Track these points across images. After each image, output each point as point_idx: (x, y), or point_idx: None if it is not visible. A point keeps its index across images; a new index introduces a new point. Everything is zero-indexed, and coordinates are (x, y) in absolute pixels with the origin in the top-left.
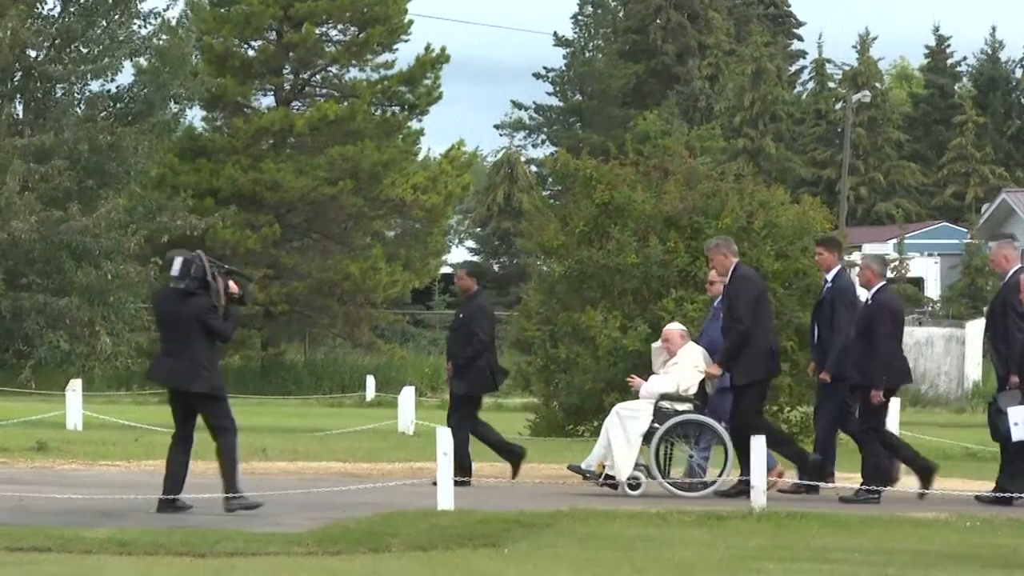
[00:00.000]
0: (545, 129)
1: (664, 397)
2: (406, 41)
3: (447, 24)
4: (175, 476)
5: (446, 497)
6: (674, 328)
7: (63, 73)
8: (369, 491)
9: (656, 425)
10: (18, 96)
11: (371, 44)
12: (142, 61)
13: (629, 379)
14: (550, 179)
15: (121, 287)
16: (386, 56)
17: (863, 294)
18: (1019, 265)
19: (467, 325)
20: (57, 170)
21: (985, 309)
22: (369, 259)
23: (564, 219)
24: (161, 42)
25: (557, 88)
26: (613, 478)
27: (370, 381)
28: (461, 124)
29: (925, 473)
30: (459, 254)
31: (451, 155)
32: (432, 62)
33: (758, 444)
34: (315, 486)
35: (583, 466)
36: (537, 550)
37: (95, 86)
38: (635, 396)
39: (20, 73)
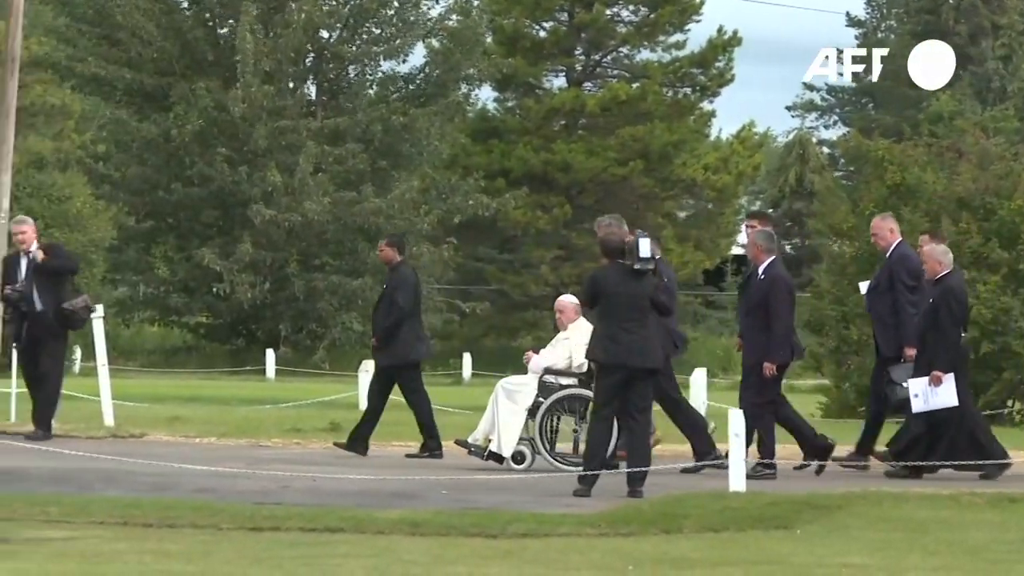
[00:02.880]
0: (837, 110)
1: (549, 371)
2: (697, 22)
3: (738, 4)
4: (603, 449)
5: (738, 478)
6: (569, 301)
7: (355, 55)
8: (661, 472)
9: (541, 399)
10: (311, 78)
11: (662, 25)
12: (434, 42)
13: (525, 355)
14: (842, 160)
15: (414, 268)
16: (677, 37)
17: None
18: (901, 239)
19: (390, 295)
20: (350, 152)
21: (864, 283)
22: (660, 240)
23: (855, 200)
24: (453, 23)
25: None
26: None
27: None
28: (752, 104)
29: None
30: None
31: (742, 136)
32: (724, 44)
33: None
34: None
35: (469, 440)
36: (829, 532)
37: (387, 67)
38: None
39: (313, 55)
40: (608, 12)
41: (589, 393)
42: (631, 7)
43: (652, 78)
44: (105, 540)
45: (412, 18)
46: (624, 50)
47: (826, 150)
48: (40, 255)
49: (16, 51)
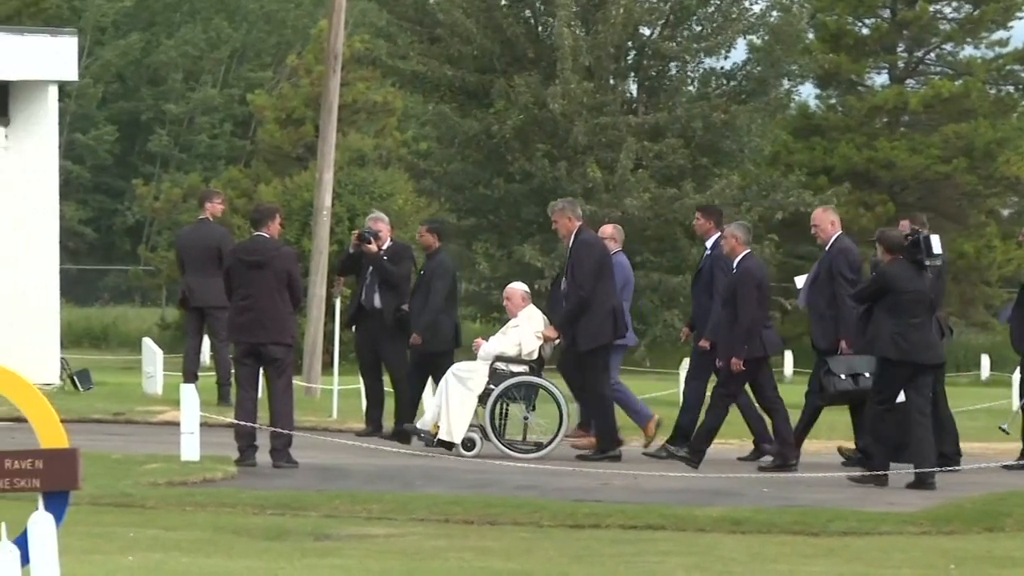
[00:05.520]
0: None
1: (500, 358)
2: (1020, 18)
3: None
4: (931, 445)
5: None
6: (517, 288)
7: (676, 51)
8: (983, 471)
9: (492, 386)
10: (632, 75)
11: (985, 22)
12: (755, 39)
13: (475, 343)
14: None
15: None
16: (1000, 34)
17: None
18: (841, 231)
19: (428, 282)
20: (671, 148)
21: (800, 277)
22: (983, 237)
23: None
24: (774, 19)
25: None
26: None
27: (984, 360)
28: None
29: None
30: None
31: None
32: None
33: None
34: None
35: (419, 425)
36: None
37: (708, 64)
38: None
39: (634, 52)
40: (931, 9)
41: (539, 380)
42: (954, 4)
43: (975, 75)
44: (426, 537)
45: (734, 14)
46: (947, 47)
47: None
48: (373, 247)
49: (338, 49)
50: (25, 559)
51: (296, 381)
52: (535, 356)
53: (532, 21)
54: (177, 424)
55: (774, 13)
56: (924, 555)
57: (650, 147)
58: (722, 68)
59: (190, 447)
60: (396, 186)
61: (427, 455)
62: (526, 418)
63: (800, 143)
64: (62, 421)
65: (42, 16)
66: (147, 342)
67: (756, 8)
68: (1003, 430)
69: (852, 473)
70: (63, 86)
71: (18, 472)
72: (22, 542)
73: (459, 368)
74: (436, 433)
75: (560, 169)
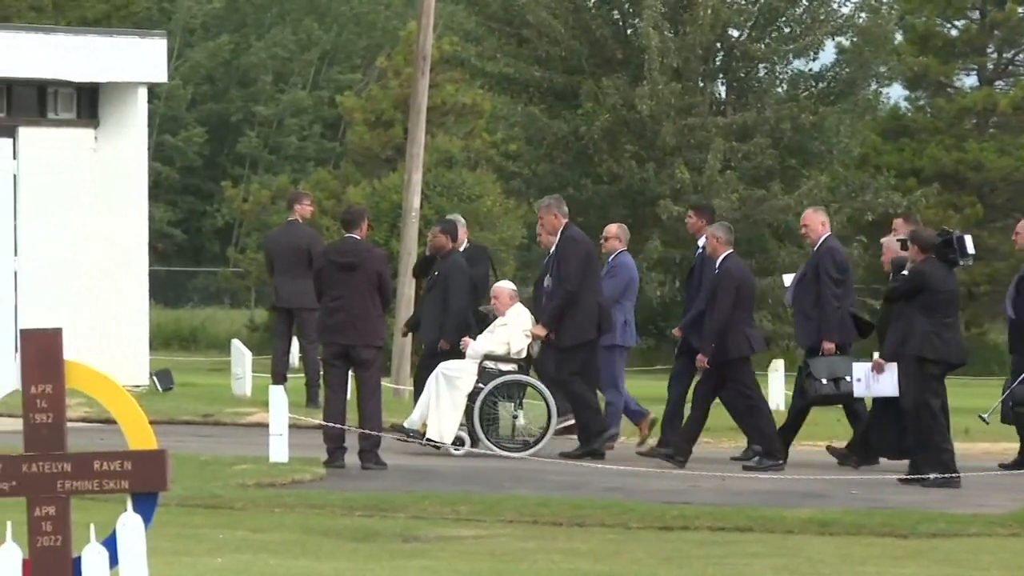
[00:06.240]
0: None
1: (489, 357)
2: None
3: None
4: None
5: None
6: (505, 287)
7: (765, 52)
8: None
9: (481, 385)
10: (720, 76)
11: None
12: (843, 40)
13: (463, 342)
14: None
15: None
16: None
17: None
18: (830, 232)
19: (443, 283)
20: (759, 148)
21: (788, 275)
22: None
23: None
24: (862, 21)
25: None
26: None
27: None
28: None
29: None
30: None
31: None
32: None
33: None
34: (1018, 467)
35: (406, 425)
36: None
37: (797, 65)
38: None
39: (722, 53)
40: (1020, 10)
41: (528, 379)
42: None
43: None
44: (514, 539)
45: (822, 16)
46: None
47: None
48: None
49: (427, 51)
50: (114, 560)
51: (384, 383)
52: (524, 355)
53: (620, 23)
54: (266, 426)
55: (862, 15)
56: (1013, 557)
57: (738, 148)
58: (810, 70)
59: (279, 449)
60: (484, 187)
61: (513, 456)
62: (515, 416)
63: (889, 145)
64: (151, 422)
65: (132, 19)
66: (236, 344)
67: (844, 10)
68: (983, 419)
69: (926, 476)
70: (152, 88)
71: (107, 473)
72: (111, 543)
73: (448, 367)
74: (424, 432)
75: (648, 170)
